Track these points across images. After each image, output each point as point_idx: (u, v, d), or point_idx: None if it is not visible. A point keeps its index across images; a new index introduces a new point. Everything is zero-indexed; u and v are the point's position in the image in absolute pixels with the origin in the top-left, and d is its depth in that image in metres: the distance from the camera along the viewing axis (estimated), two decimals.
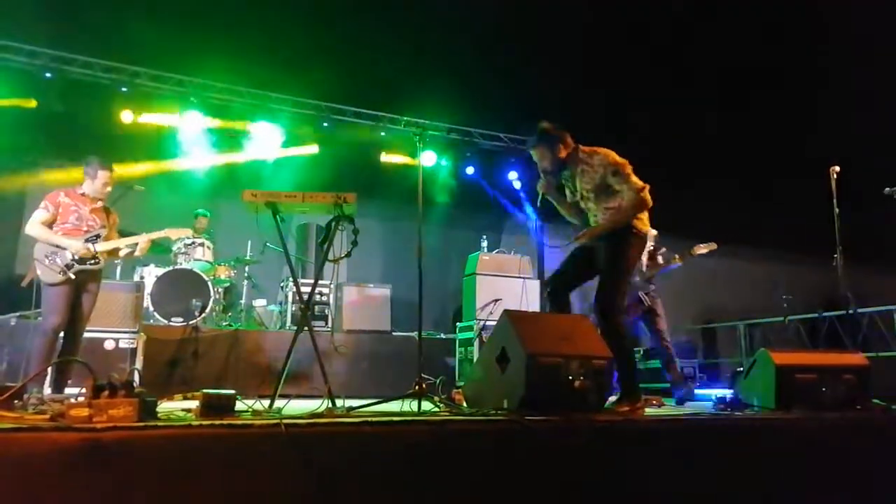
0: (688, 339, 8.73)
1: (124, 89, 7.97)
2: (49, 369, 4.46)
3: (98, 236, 4.54)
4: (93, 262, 4.48)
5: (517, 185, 10.29)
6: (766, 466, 2.91)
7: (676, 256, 5.99)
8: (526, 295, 7.17)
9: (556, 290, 3.99)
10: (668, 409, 4.39)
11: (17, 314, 5.81)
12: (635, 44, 8.08)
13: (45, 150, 7.66)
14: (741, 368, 7.17)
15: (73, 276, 4.37)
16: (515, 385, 3.02)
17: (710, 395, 5.15)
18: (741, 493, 2.84)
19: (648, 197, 3.76)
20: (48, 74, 7.59)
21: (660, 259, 6.04)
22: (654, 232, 6.11)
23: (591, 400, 3.09)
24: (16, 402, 2.59)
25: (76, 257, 4.39)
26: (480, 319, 6.79)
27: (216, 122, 8.56)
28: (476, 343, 6.69)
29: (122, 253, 4.72)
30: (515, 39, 7.67)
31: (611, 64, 8.08)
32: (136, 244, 4.71)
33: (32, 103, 7.58)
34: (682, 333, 9.59)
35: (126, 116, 8.02)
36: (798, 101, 8.88)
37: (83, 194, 4.60)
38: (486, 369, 3.34)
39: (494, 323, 6.36)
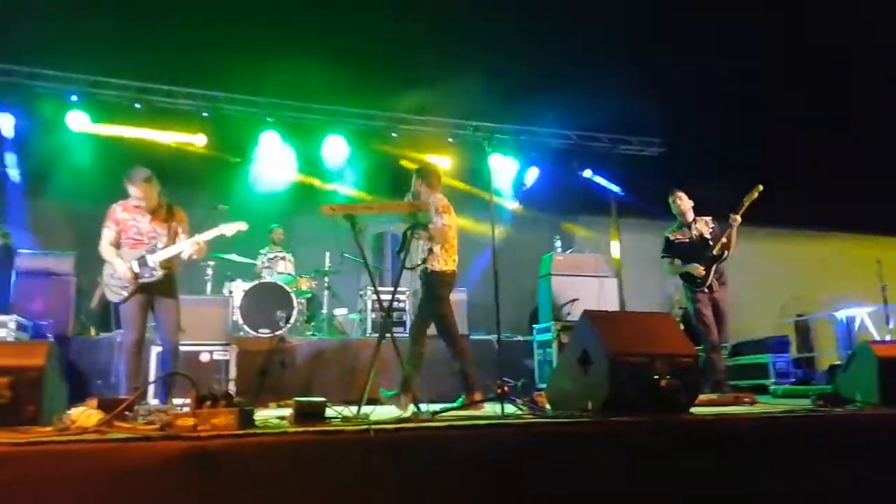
0: (780, 334, 8.32)
1: (205, 114, 8.41)
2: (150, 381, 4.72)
3: (157, 247, 4.49)
4: (152, 274, 4.44)
5: (599, 180, 10.13)
6: (869, 465, 2.75)
7: (732, 216, 5.61)
8: (604, 294, 7.05)
9: None
10: (762, 406, 4.21)
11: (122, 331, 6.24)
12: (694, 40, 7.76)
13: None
14: (840, 362, 6.78)
15: (127, 294, 4.39)
16: (599, 386, 2.99)
17: (807, 391, 4.89)
18: (843, 492, 2.69)
19: None
20: (137, 105, 8.11)
21: (717, 232, 5.72)
22: (708, 217, 5.85)
23: (680, 399, 3.01)
24: (127, 413, 2.78)
25: (136, 271, 4.38)
26: (558, 321, 6.73)
27: (290, 140, 8.91)
28: (555, 345, 6.63)
29: (184, 257, 4.58)
30: (572, 32, 7.54)
31: (679, 52, 7.82)
32: (193, 248, 4.53)
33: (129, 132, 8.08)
34: (772, 328, 9.15)
35: (201, 140, 8.44)
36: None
37: (137, 206, 4.53)
38: (568, 371, 3.32)
39: (573, 324, 6.36)
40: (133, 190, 4.47)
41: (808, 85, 8.28)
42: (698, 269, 5.58)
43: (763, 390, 6.52)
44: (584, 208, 10.32)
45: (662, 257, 5.92)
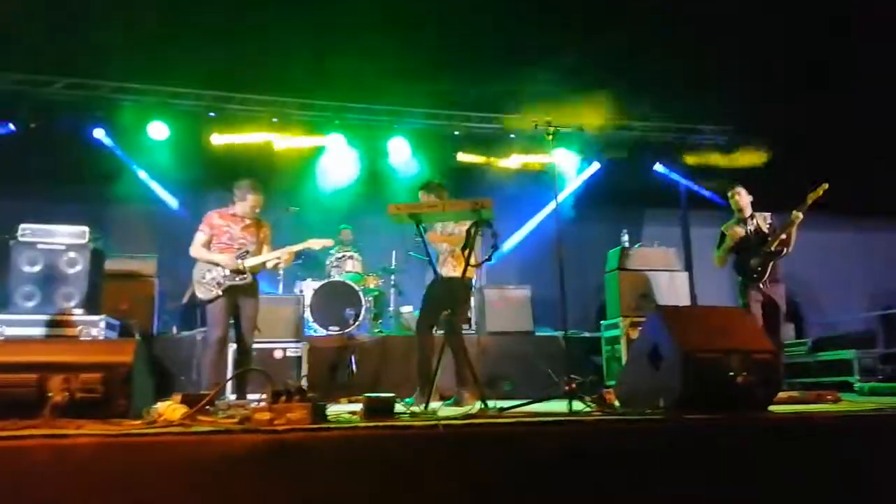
0: (864, 328, 7.86)
1: (275, 119, 8.70)
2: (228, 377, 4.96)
3: (247, 253, 4.87)
4: (241, 278, 4.80)
5: (668, 173, 9.87)
6: None
7: (794, 213, 5.40)
8: (675, 289, 6.87)
9: None
10: (846, 404, 4.00)
11: (201, 329, 6.54)
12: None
13: (213, 180, 8.56)
14: None
15: (220, 293, 4.74)
16: (671, 383, 2.92)
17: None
18: None
19: None
20: (212, 114, 8.48)
21: (775, 228, 5.54)
22: (767, 213, 5.69)
23: (758, 397, 2.90)
24: (208, 408, 2.92)
25: (226, 273, 4.75)
26: (626, 316, 6.60)
27: (355, 141, 9.10)
28: (623, 340, 6.50)
29: (269, 265, 4.99)
30: (634, 22, 7.33)
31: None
32: (282, 257, 4.95)
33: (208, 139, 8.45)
34: (859, 322, 8.66)
35: (278, 143, 8.74)
36: None
37: (234, 214, 4.95)
38: (638, 367, 3.25)
39: (642, 319, 6.21)
40: (251, 198, 4.90)
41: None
42: (755, 262, 5.51)
43: (848, 388, 6.19)
44: (653, 201, 10.05)
45: (716, 248, 5.89)
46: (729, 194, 5.87)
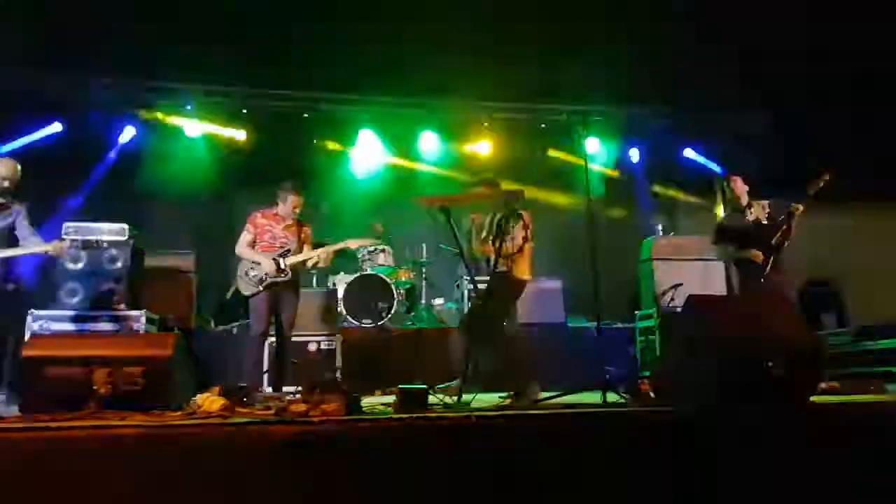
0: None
1: (306, 115, 8.79)
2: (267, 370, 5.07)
3: (288, 251, 5.03)
4: (283, 275, 4.97)
5: (698, 158, 9.70)
6: None
7: (793, 205, 5.25)
8: (710, 279, 6.74)
9: None
10: (890, 394, 3.89)
11: (238, 324, 6.66)
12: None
13: (246, 176, 8.69)
14: None
15: (261, 289, 4.90)
16: (708, 374, 2.87)
17: None
18: None
19: None
20: (244, 110, 8.60)
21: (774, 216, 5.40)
22: (765, 201, 5.54)
23: (797, 388, 2.84)
24: (245, 399, 2.99)
25: (268, 271, 4.91)
26: (660, 306, 6.51)
27: (386, 135, 9.14)
28: (658, 331, 6.42)
29: (309, 264, 5.17)
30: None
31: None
32: (321, 256, 5.11)
33: (240, 135, 8.64)
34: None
35: (311, 139, 8.84)
36: None
37: (276, 214, 5.12)
38: (673, 359, 3.21)
39: (677, 309, 6.12)
40: (293, 199, 5.06)
41: None
42: (757, 256, 5.34)
43: (893, 378, 6.01)
44: (687, 189, 9.86)
45: (714, 244, 5.78)
46: (724, 183, 5.76)
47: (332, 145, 9.12)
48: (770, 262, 5.33)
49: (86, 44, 7.18)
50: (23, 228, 4.90)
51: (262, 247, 5.05)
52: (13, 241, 4.84)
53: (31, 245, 4.84)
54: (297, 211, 5.14)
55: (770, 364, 2.81)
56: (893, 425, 2.59)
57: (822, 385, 3.61)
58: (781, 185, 5.77)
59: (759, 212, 5.52)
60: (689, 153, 9.66)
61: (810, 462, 2.43)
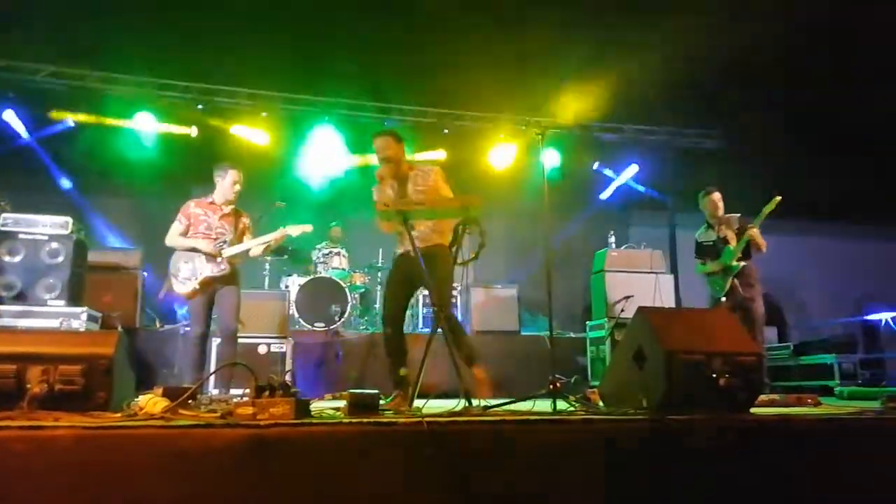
0: (845, 333, 7.97)
1: (264, 114, 8.64)
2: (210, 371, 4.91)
3: (225, 242, 4.78)
4: (219, 269, 4.71)
5: (608, 173, 9.96)
6: None
7: (748, 228, 5.55)
8: (659, 291, 6.91)
9: (397, 326, 4.29)
10: (827, 407, 4.04)
11: (185, 323, 6.48)
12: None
13: (196, 172, 8.50)
14: None
15: (197, 287, 4.65)
16: (654, 384, 2.93)
17: (876, 393, 4.67)
18: None
19: None
20: (200, 106, 8.41)
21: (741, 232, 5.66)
22: (736, 215, 5.78)
23: (740, 399, 2.92)
24: (190, 402, 2.89)
25: (202, 264, 4.64)
26: (611, 317, 6.63)
27: (343, 137, 9.06)
28: (608, 342, 6.54)
29: (253, 253, 4.91)
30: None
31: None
32: (261, 246, 4.88)
33: (193, 131, 8.44)
34: (840, 327, 8.77)
35: (263, 138, 8.67)
36: None
37: (212, 202, 4.87)
38: (622, 368, 3.27)
39: (626, 320, 6.24)
40: (232, 173, 4.85)
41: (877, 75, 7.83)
42: (715, 266, 5.66)
43: (828, 392, 6.27)
44: (640, 203, 10.11)
45: (695, 258, 5.97)
46: (701, 196, 5.89)
47: (289, 145, 8.99)
48: (729, 279, 5.54)
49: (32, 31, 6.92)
50: None
51: (198, 237, 4.76)
52: None
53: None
54: (238, 188, 4.88)
55: (714, 375, 2.89)
56: (826, 437, 2.69)
57: (763, 397, 3.73)
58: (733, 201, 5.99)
59: (727, 229, 5.71)
60: (633, 169, 9.85)
61: (748, 471, 2.50)
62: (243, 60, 7.63)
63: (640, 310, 3.26)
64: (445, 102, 9.01)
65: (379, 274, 8.11)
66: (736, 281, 5.55)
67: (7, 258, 5.44)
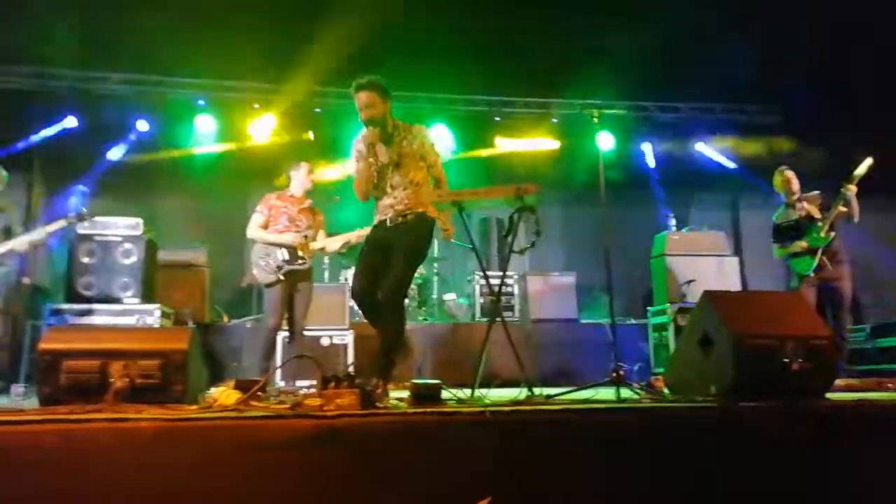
0: None
1: (318, 110, 8.79)
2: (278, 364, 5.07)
3: (306, 237, 4.89)
4: (300, 262, 4.83)
5: (711, 154, 9.62)
6: None
7: (843, 188, 5.18)
8: (724, 274, 6.70)
9: (368, 300, 3.74)
10: None
11: (252, 317, 6.70)
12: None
13: (254, 170, 8.71)
14: None
15: (282, 277, 4.75)
16: (722, 370, 2.86)
17: None
18: None
19: None
20: (256, 105, 8.61)
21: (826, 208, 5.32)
22: (816, 192, 5.46)
23: (814, 384, 2.81)
24: (260, 393, 3.00)
25: (286, 257, 4.78)
26: (674, 302, 6.47)
27: None
28: (671, 327, 6.39)
29: (328, 250, 5.06)
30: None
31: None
32: (339, 243, 4.99)
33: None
34: None
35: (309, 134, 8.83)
36: None
37: (291, 195, 5.00)
38: (688, 354, 3.19)
39: (690, 305, 6.09)
40: (305, 165, 5.01)
41: None
42: (801, 245, 5.32)
43: None
44: (700, 183, 9.79)
45: (773, 242, 5.67)
46: (775, 176, 5.63)
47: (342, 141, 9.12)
48: (818, 255, 5.24)
49: (102, 38, 7.23)
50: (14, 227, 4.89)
51: (278, 230, 4.88)
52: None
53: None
54: (313, 177, 5.03)
55: (787, 360, 2.79)
56: None
57: (839, 382, 3.58)
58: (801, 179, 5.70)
59: (809, 206, 5.44)
60: (700, 147, 9.58)
61: (824, 459, 2.41)
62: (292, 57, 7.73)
63: (706, 294, 3.17)
64: (490, 90, 8.92)
65: (435, 264, 8.15)
66: (824, 258, 5.24)
67: (85, 259, 5.75)
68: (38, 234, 4.89)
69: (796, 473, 2.38)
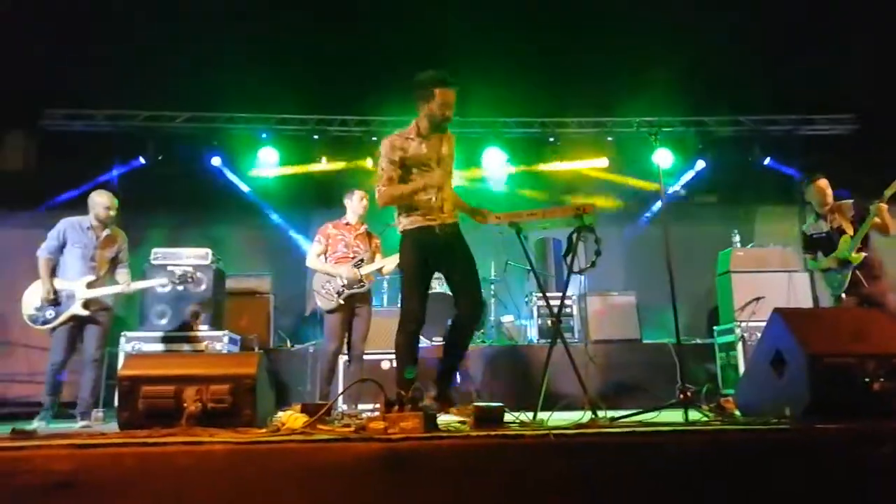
0: None
1: (374, 139, 9.00)
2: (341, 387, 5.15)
3: (362, 260, 5.08)
4: (359, 285, 5.00)
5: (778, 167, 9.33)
6: None
7: (872, 205, 4.89)
8: (794, 291, 6.44)
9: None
10: None
11: (313, 342, 6.85)
12: None
13: (314, 199, 8.97)
14: None
15: (342, 301, 4.92)
16: (797, 390, 2.74)
17: None
18: None
19: None
20: (315, 136, 8.90)
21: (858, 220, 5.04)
22: (849, 201, 5.18)
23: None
24: (325, 417, 3.06)
25: (345, 282, 4.95)
26: (741, 321, 6.25)
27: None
28: (739, 346, 6.17)
29: (385, 270, 5.19)
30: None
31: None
32: (395, 262, 4.95)
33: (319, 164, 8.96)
34: None
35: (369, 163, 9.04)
36: None
37: (347, 223, 5.22)
38: (759, 374, 3.08)
39: (758, 323, 5.87)
40: (358, 193, 5.22)
41: None
42: (832, 261, 5.11)
43: None
44: (765, 198, 9.47)
45: (804, 255, 5.46)
46: (806, 185, 5.38)
47: None
48: (849, 273, 5.01)
49: (162, 79, 7.66)
50: (124, 258, 5.19)
51: (337, 258, 5.06)
52: (113, 269, 5.13)
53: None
54: (365, 203, 5.18)
55: (867, 379, 2.65)
56: None
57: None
58: (864, 189, 5.44)
59: (841, 217, 5.19)
60: (769, 162, 9.28)
61: None
62: (356, 85, 7.98)
63: (777, 311, 3.06)
64: (543, 112, 8.93)
65: (492, 286, 8.15)
66: (859, 274, 4.95)
67: (159, 288, 6.03)
68: (139, 285, 5.22)
69: (878, 500, 2.25)
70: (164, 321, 5.99)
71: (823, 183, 5.29)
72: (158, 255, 6.19)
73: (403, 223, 3.86)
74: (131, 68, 7.32)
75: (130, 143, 8.50)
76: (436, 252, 3.80)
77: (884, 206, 4.91)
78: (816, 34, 7.07)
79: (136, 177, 8.52)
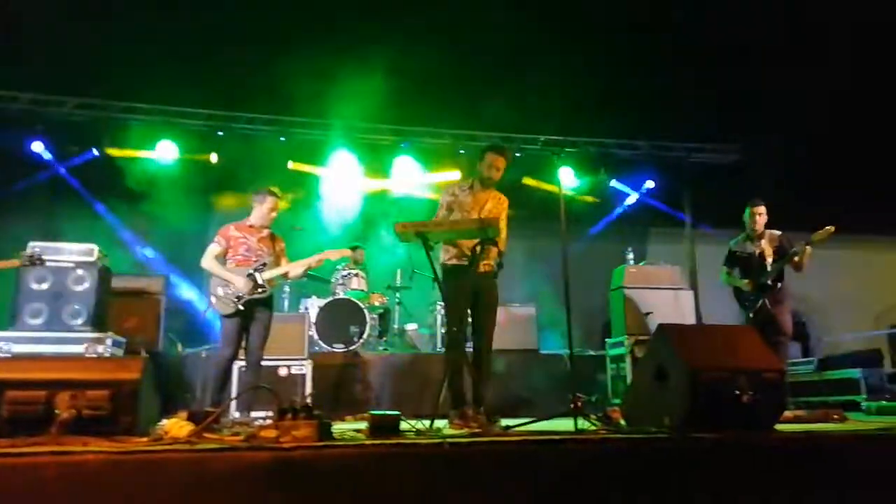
0: (872, 347, 7.82)
1: (282, 139, 8.79)
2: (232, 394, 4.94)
3: (265, 264, 4.80)
4: (261, 290, 4.74)
5: (620, 186, 9.97)
6: None
7: (801, 246, 5.36)
8: (680, 307, 6.86)
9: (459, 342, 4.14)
10: (853, 423, 3.97)
11: (206, 347, 6.55)
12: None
13: (221, 193, 8.64)
14: None
15: (241, 307, 4.65)
16: (677, 402, 2.92)
17: None
18: None
19: None
20: (220, 132, 8.56)
21: (783, 251, 5.53)
22: (777, 232, 5.66)
23: (763, 416, 2.89)
24: (214, 425, 2.93)
25: (240, 294, 4.66)
26: (631, 335, 6.58)
27: (360, 161, 9.17)
28: (628, 359, 6.48)
29: (291, 275, 4.93)
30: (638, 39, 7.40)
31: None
32: (301, 268, 4.89)
33: (214, 157, 8.63)
34: (865, 341, 8.61)
35: (288, 163, 8.84)
36: None
37: (251, 225, 4.91)
38: (644, 386, 3.25)
39: (646, 338, 6.20)
40: (270, 200, 4.93)
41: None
42: (748, 284, 5.55)
43: (855, 407, 6.15)
44: (658, 219, 10.07)
45: (723, 265, 5.87)
46: (748, 208, 5.76)
47: (305, 168, 9.11)
48: (759, 301, 5.46)
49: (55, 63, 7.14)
50: None
51: (238, 260, 4.80)
52: None
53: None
54: (274, 215, 4.95)
55: (738, 392, 2.86)
56: (853, 454, 2.64)
57: (787, 413, 3.68)
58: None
59: (766, 245, 5.61)
60: (650, 184, 9.87)
61: (774, 490, 2.46)
62: (262, 86, 7.76)
63: (661, 327, 3.25)
64: (458, 125, 9.09)
65: (397, 294, 8.14)
66: (765, 300, 5.45)
67: (34, 285, 5.55)
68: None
69: (749, 501, 2.43)
70: (38, 321, 5.51)
71: (762, 209, 5.69)
72: (37, 248, 5.66)
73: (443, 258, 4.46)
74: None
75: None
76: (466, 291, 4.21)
77: (809, 249, 5.36)
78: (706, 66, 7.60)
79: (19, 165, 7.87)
